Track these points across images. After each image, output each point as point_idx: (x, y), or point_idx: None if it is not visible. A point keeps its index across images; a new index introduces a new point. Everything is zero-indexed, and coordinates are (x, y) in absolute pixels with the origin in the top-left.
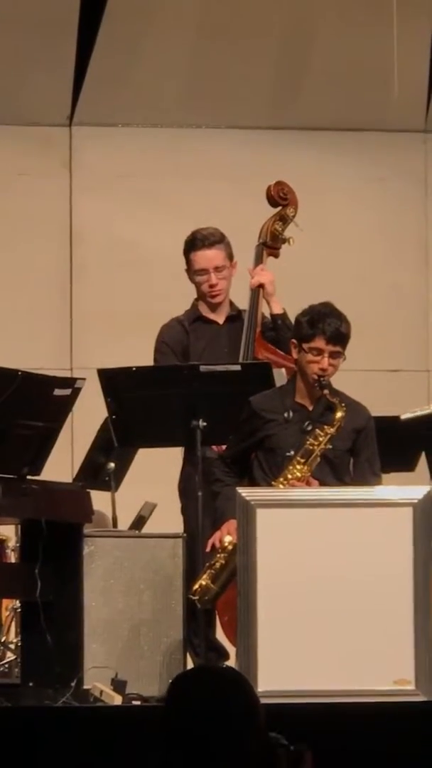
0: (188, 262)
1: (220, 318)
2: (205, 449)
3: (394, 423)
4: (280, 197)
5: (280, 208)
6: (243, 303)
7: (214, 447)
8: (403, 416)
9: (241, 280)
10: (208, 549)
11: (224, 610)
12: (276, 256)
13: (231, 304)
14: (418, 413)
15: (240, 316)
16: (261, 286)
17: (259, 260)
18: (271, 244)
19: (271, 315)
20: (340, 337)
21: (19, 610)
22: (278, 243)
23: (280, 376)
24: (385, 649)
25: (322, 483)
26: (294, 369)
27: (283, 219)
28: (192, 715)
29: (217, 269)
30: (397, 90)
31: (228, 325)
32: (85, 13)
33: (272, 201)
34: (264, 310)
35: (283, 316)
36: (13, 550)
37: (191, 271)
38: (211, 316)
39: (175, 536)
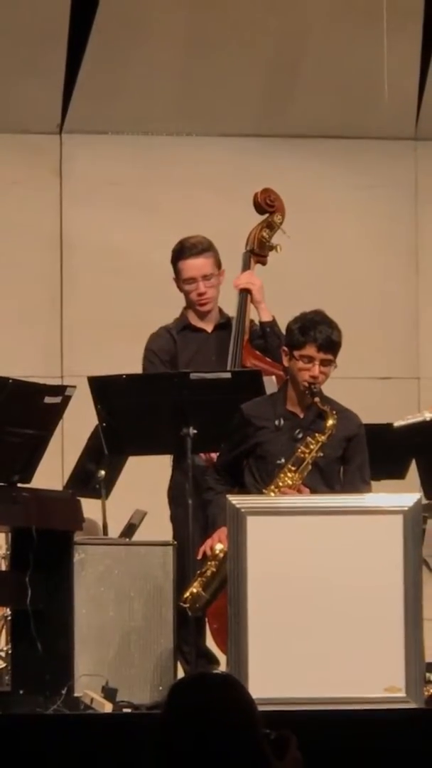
0: (176, 271)
1: (208, 326)
2: (194, 457)
3: (385, 430)
4: (267, 204)
5: (267, 215)
6: (232, 310)
7: (201, 455)
8: (396, 424)
9: (229, 288)
10: (199, 557)
11: (214, 618)
12: (263, 263)
13: (220, 311)
14: (410, 421)
15: (229, 324)
16: (248, 291)
17: (246, 267)
18: (258, 252)
19: (260, 322)
20: (331, 345)
21: (9, 618)
22: (265, 250)
23: (271, 384)
24: (375, 657)
25: (313, 491)
26: (281, 376)
27: (270, 226)
28: (189, 722)
29: (205, 278)
30: (387, 98)
31: (216, 333)
32: (75, 21)
33: (259, 208)
34: (253, 316)
35: (272, 323)
36: (3, 557)
37: (179, 280)
38: (200, 324)
39: (165, 544)
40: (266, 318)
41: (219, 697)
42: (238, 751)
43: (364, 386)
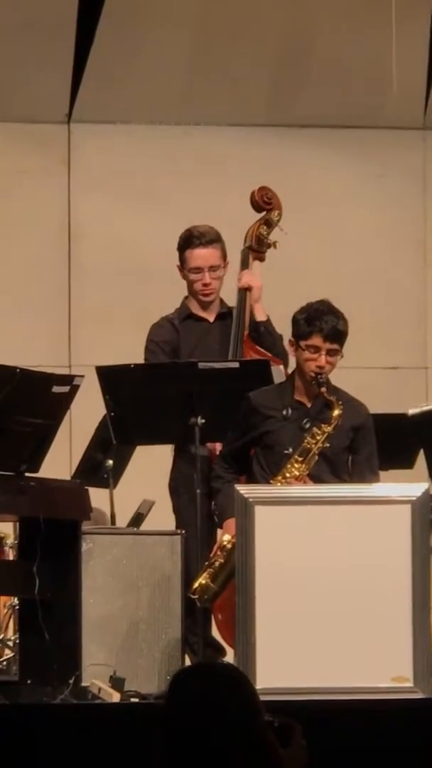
0: (182, 258)
1: (210, 316)
2: (198, 446)
3: (393, 420)
4: (264, 202)
5: (264, 212)
6: (232, 300)
7: (208, 444)
8: (410, 411)
9: (232, 280)
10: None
11: (219, 610)
12: (262, 260)
13: (221, 301)
14: (425, 408)
15: (230, 314)
16: (249, 288)
17: (245, 265)
18: (256, 248)
19: (255, 322)
20: (337, 335)
21: (17, 607)
22: (264, 247)
23: (279, 374)
24: (383, 647)
25: (321, 481)
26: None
27: (268, 223)
28: (192, 712)
29: (211, 268)
30: (396, 87)
31: (218, 323)
32: (83, 10)
33: (256, 206)
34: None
35: (267, 323)
36: (11, 547)
37: (185, 268)
38: (202, 313)
39: (173, 533)
40: (261, 317)
41: (221, 687)
42: (239, 741)
43: (373, 376)
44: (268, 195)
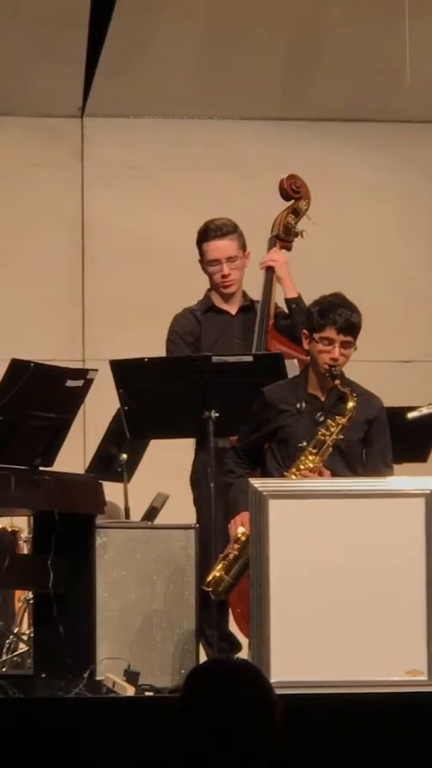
0: (201, 252)
1: (232, 308)
2: (218, 439)
3: (406, 414)
4: (293, 190)
5: (292, 201)
6: (256, 294)
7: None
8: (410, 415)
9: (254, 272)
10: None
11: (237, 603)
12: (289, 248)
13: (244, 294)
14: (425, 412)
15: (253, 307)
16: (271, 269)
17: None
18: (283, 237)
19: (285, 299)
20: (351, 328)
21: (31, 601)
22: (291, 236)
23: (293, 367)
24: (397, 640)
25: (334, 474)
26: (305, 360)
27: (296, 212)
28: (208, 709)
29: (229, 259)
30: (409, 80)
31: (240, 316)
32: (96, 4)
33: (285, 194)
34: (278, 299)
35: (298, 299)
36: (25, 541)
37: (204, 262)
38: (224, 306)
39: (187, 527)
40: (291, 294)
41: (237, 684)
42: (253, 739)
43: (386, 370)
44: (297, 183)
